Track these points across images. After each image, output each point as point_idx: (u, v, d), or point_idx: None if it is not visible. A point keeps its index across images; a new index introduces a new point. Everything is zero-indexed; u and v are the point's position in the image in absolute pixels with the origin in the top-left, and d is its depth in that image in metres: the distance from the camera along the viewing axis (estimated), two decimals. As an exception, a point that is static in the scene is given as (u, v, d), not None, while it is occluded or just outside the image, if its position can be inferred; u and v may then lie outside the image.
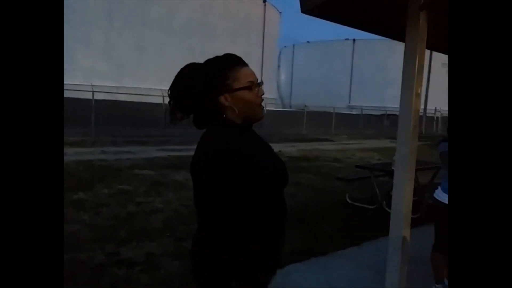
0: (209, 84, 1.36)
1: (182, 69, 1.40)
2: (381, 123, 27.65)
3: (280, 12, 31.72)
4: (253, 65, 2.02)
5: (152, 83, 19.62)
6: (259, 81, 1.42)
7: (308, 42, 44.72)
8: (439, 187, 3.01)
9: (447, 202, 2.85)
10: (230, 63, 1.39)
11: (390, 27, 3.60)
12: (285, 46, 44.53)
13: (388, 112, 28.68)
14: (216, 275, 1.28)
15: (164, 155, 10.96)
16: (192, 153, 1.33)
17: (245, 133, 1.41)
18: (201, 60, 1.42)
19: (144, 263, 3.68)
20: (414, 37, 2.93)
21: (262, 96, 1.43)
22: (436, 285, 3.10)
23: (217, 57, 1.42)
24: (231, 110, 1.38)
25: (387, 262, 3.17)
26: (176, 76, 1.40)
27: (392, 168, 5.92)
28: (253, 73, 1.41)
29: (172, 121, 1.40)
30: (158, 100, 16.57)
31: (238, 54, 1.44)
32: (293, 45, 44.67)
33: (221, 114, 1.38)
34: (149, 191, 6.63)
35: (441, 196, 2.92)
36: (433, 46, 3.97)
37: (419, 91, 3.03)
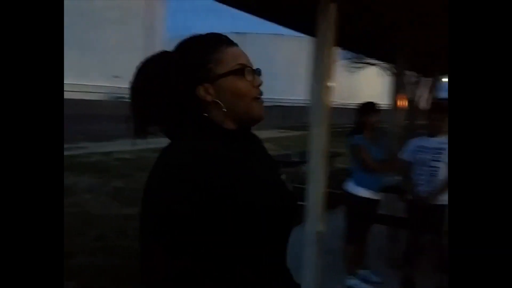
0: (184, 72, 0.91)
1: (147, 61, 0.93)
2: (269, 114, 28.84)
3: (166, 4, 30.89)
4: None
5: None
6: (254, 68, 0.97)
7: (196, 35, 44.74)
8: (350, 180, 3.05)
9: (360, 195, 2.92)
10: (211, 42, 0.95)
11: (301, 20, 3.56)
12: (172, 39, 43.64)
13: (275, 104, 30.02)
14: None
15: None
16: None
17: (237, 143, 0.94)
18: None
19: None
20: (324, 30, 2.89)
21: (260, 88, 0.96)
22: (349, 277, 3.15)
23: (193, 36, 0.97)
24: (215, 107, 0.91)
25: (303, 258, 3.12)
26: (139, 71, 0.92)
27: (292, 159, 6.04)
28: (244, 55, 0.96)
29: (137, 134, 0.91)
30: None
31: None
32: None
33: (202, 113, 0.92)
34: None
35: (354, 189, 2.97)
36: (342, 43, 4.05)
37: (329, 84, 3.03)
